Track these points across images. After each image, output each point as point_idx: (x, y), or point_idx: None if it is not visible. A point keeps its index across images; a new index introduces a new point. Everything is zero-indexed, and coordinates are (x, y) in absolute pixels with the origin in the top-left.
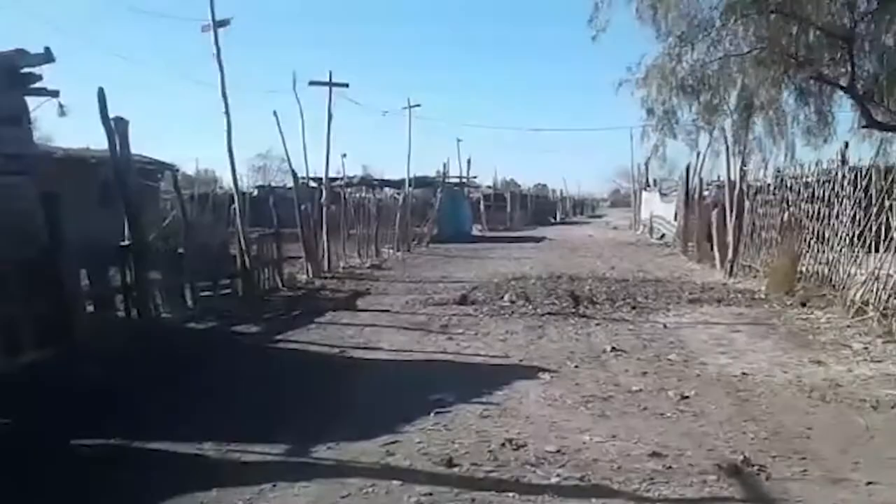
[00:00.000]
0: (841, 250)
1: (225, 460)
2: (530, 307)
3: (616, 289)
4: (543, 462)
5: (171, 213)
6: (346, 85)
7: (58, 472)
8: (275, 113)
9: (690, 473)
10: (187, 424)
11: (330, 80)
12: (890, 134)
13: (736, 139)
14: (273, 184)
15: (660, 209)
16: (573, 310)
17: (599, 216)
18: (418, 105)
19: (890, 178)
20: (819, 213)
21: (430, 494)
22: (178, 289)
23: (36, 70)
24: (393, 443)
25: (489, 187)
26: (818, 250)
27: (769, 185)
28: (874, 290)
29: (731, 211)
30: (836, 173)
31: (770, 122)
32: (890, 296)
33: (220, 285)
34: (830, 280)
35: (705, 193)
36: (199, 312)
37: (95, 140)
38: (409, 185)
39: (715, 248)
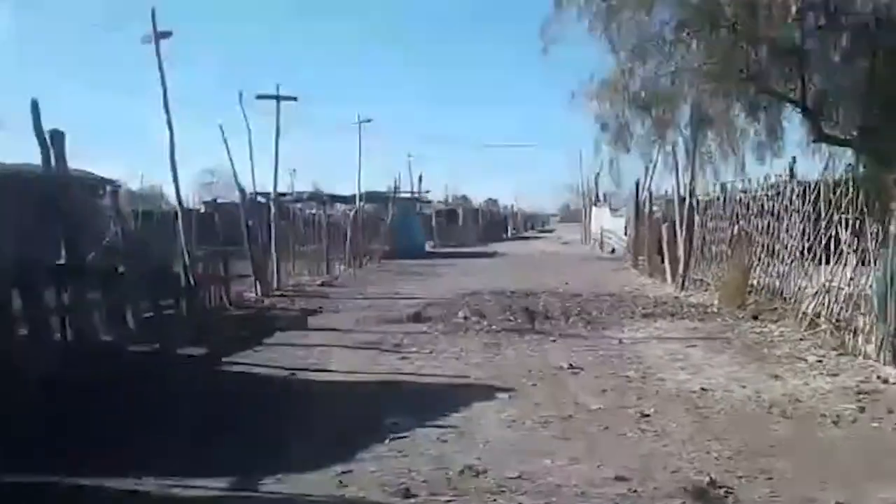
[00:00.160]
0: (791, 263)
1: (165, 496)
2: (485, 323)
3: (570, 304)
4: (505, 489)
5: (112, 231)
6: (295, 98)
7: None
8: (220, 126)
9: (656, 497)
10: (125, 456)
11: (278, 93)
12: (839, 148)
13: (687, 153)
14: (221, 200)
15: (610, 224)
16: (528, 326)
17: (550, 231)
18: (370, 120)
19: (838, 192)
20: (769, 227)
21: None
22: (118, 309)
23: None
24: (346, 472)
25: (441, 202)
26: (768, 264)
27: (719, 199)
28: (825, 302)
29: (682, 225)
30: (785, 188)
31: (721, 136)
32: (841, 308)
33: (163, 305)
34: (782, 293)
35: (654, 208)
36: (140, 334)
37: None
38: (360, 201)
39: (666, 261)
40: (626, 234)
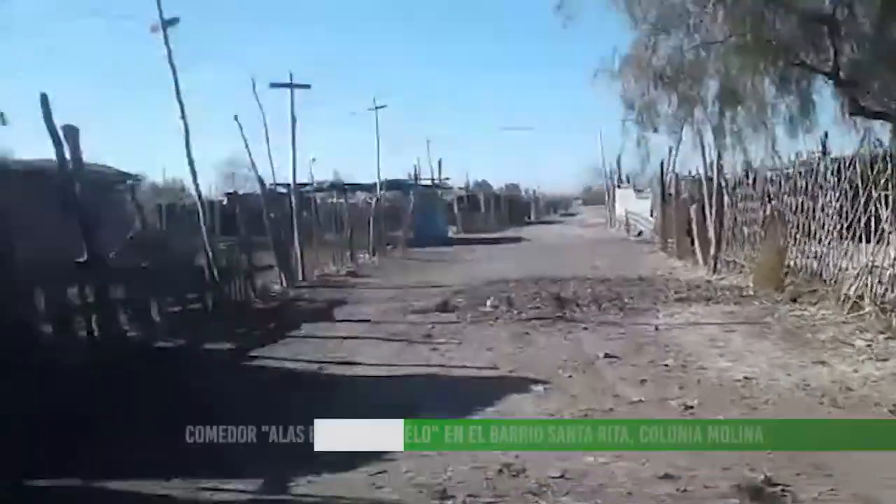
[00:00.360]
0: (829, 243)
1: (193, 501)
2: (514, 312)
3: (600, 289)
4: (546, 490)
5: (135, 226)
6: (308, 86)
7: None
8: (236, 117)
9: (708, 497)
10: (153, 458)
11: (291, 81)
12: (875, 122)
13: (715, 131)
14: (242, 191)
15: (635, 206)
16: (559, 313)
17: (573, 214)
18: (384, 106)
19: (876, 168)
20: (803, 205)
21: None
22: (143, 305)
23: None
24: (380, 472)
25: (461, 189)
26: (804, 244)
27: (748, 177)
28: (868, 283)
29: (711, 206)
30: (819, 164)
31: (750, 112)
32: (886, 289)
33: (188, 300)
34: (821, 274)
35: (681, 189)
36: (166, 329)
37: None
38: (381, 189)
39: (696, 244)
40: (651, 215)
